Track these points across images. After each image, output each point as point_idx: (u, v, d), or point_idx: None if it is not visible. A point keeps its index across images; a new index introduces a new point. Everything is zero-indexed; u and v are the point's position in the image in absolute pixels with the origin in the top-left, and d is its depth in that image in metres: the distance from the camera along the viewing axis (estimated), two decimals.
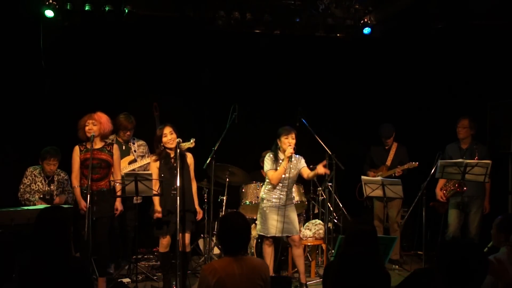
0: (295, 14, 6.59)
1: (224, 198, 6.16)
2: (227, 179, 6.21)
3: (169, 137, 4.90)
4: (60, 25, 6.15)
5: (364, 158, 6.62)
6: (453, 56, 7.01)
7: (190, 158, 5.08)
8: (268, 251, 5.13)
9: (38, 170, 5.56)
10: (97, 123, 4.83)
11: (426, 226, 5.59)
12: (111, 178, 4.90)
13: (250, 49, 7.02)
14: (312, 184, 6.42)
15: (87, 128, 4.82)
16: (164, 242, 4.93)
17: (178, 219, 4.58)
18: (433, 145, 6.02)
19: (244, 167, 6.30)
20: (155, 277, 5.58)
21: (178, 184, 4.65)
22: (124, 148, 5.80)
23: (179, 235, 4.63)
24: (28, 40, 6.24)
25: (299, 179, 5.38)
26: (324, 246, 5.83)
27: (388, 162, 6.32)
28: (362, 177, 5.74)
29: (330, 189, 6.00)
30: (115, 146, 5.04)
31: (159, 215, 4.83)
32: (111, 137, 5.58)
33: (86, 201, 4.55)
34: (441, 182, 5.85)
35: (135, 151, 5.92)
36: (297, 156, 5.19)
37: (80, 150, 4.84)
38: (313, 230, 5.77)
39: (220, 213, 6.18)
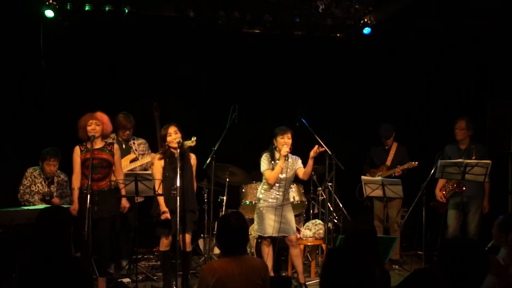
0: (295, 14, 6.58)
1: (224, 198, 6.17)
2: (227, 179, 6.21)
3: (173, 136, 4.89)
4: (60, 25, 6.15)
5: (364, 158, 6.62)
6: (453, 56, 7.01)
7: (193, 159, 5.09)
8: (266, 251, 5.14)
9: (38, 171, 5.53)
10: (100, 123, 4.82)
11: (426, 226, 5.59)
12: (112, 178, 4.90)
13: (250, 49, 7.02)
14: (312, 184, 6.41)
15: (90, 128, 4.78)
16: (166, 241, 4.93)
17: (178, 219, 4.58)
18: (433, 145, 6.03)
19: (244, 167, 6.30)
20: (155, 277, 5.58)
21: (178, 184, 4.65)
22: (124, 147, 5.80)
23: (179, 235, 4.63)
24: (28, 40, 6.23)
25: (300, 179, 5.38)
26: (324, 246, 5.82)
27: (388, 162, 6.31)
28: (362, 177, 5.75)
29: (330, 189, 6.01)
30: (116, 146, 5.03)
31: (168, 215, 4.80)
32: (112, 136, 5.58)
33: (87, 201, 4.52)
34: (441, 182, 5.86)
35: (136, 150, 5.92)
36: (294, 156, 5.20)
37: (81, 150, 4.83)
38: (313, 230, 5.77)
39: (220, 213, 6.18)
